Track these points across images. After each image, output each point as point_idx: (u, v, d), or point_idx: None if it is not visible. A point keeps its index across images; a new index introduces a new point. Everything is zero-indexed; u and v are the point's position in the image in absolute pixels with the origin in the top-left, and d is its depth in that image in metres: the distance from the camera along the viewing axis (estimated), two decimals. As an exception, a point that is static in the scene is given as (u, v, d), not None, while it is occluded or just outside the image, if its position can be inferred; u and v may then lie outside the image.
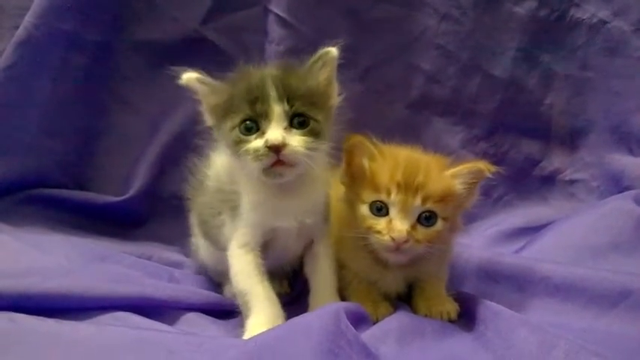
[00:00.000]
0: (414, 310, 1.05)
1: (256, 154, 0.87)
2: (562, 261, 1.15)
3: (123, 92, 1.53)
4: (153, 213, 1.52)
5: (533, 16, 1.59)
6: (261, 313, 0.93)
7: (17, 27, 1.35)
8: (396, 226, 0.92)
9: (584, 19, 1.60)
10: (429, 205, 0.93)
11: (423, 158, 1.00)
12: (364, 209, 0.96)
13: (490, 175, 0.95)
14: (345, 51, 1.54)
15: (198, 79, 0.93)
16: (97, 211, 1.45)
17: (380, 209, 0.95)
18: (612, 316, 0.96)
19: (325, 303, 0.99)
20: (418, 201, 0.92)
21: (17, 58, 1.34)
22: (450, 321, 1.00)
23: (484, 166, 0.95)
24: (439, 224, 0.95)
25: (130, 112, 1.54)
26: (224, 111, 0.92)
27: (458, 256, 1.18)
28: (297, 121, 0.89)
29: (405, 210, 0.93)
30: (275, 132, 0.86)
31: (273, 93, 0.87)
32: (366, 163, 0.98)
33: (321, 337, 0.75)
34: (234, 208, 0.99)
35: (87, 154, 1.51)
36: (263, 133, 0.88)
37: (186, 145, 1.49)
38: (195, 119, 1.46)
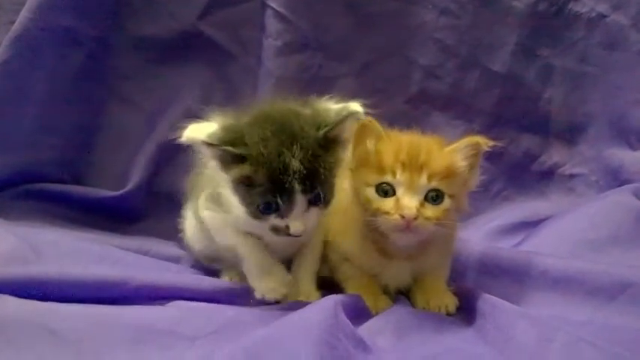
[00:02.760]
0: (412, 304, 1.05)
1: (275, 232, 0.88)
2: (560, 255, 1.14)
3: (120, 88, 1.52)
4: (150, 208, 1.51)
5: (531, 11, 1.59)
6: (272, 277, 0.97)
7: (13, 22, 1.34)
8: (405, 203, 0.91)
9: (582, 13, 1.60)
10: (435, 183, 0.93)
11: (424, 139, 1.01)
12: (370, 192, 0.96)
13: (487, 149, 0.95)
14: (342, 45, 1.58)
15: (205, 144, 0.82)
16: (94, 205, 1.44)
17: (386, 192, 0.94)
18: (611, 308, 0.96)
19: (301, 288, 1.03)
20: (424, 179, 0.92)
21: (13, 53, 1.33)
22: (449, 314, 1.00)
23: (481, 140, 0.95)
24: (447, 202, 0.94)
25: (128, 107, 1.53)
26: (240, 183, 0.85)
27: (459, 250, 1.17)
28: (313, 198, 0.86)
29: (412, 188, 0.92)
30: (297, 223, 0.85)
31: (298, 187, 0.82)
32: (371, 145, 0.98)
33: (319, 330, 0.75)
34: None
35: (84, 149, 1.50)
36: (282, 217, 0.86)
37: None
38: (193, 115, 1.48)
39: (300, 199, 0.84)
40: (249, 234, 0.99)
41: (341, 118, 0.85)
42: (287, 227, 0.86)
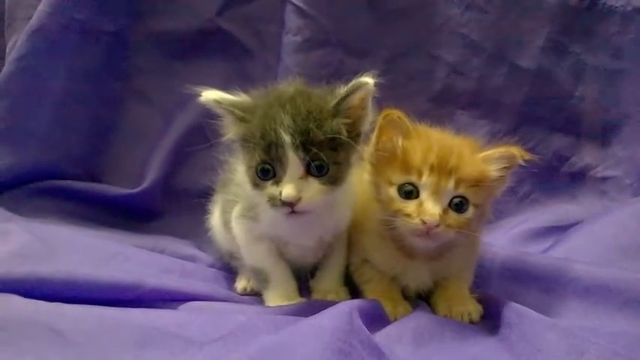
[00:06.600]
0: (433, 310, 1.01)
1: (272, 202, 0.86)
2: (592, 261, 1.09)
3: (137, 83, 1.52)
4: (166, 206, 1.50)
5: (562, 4, 1.53)
6: (279, 288, 1.04)
7: (31, 17, 1.35)
8: (428, 209, 0.88)
9: (617, 7, 1.55)
10: (462, 190, 0.89)
11: (456, 140, 0.96)
12: (392, 191, 0.92)
13: (523, 163, 0.91)
14: (364, 41, 1.54)
15: (216, 102, 0.87)
16: (110, 203, 1.44)
17: (409, 193, 0.90)
18: (647, 320, 0.90)
19: (328, 286, 1.07)
20: (451, 184, 0.88)
21: (30, 47, 1.34)
22: (472, 322, 0.96)
23: (517, 152, 0.91)
24: (470, 211, 0.90)
25: (145, 103, 1.53)
26: (242, 143, 0.89)
27: (482, 255, 1.14)
28: (315, 167, 0.84)
29: (437, 193, 0.89)
30: (289, 187, 0.83)
31: (288, 140, 0.82)
32: (399, 141, 0.93)
33: (332, 337, 0.73)
34: (252, 210, 0.98)
35: (100, 145, 1.50)
36: (278, 182, 0.85)
37: (201, 137, 1.47)
38: (210, 112, 1.47)
39: (292, 159, 0.83)
40: (273, 252, 1.03)
41: (350, 89, 0.85)
42: (280, 194, 0.84)
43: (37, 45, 1.34)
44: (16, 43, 1.34)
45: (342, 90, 0.86)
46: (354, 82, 0.85)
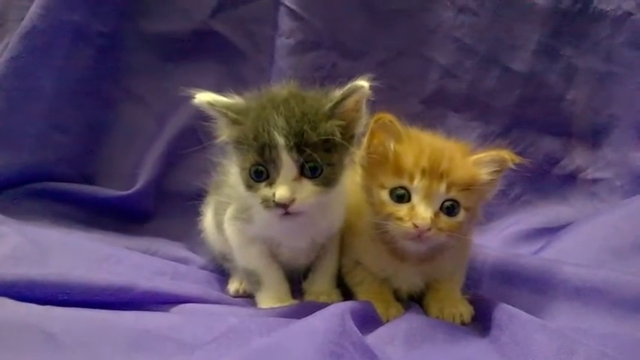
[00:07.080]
0: (425, 312, 1.02)
1: (265, 203, 0.86)
2: (583, 263, 1.10)
3: (130, 85, 1.52)
4: (159, 208, 1.50)
5: (554, 8, 1.54)
6: (272, 290, 1.04)
7: (23, 19, 1.34)
8: (420, 212, 0.88)
9: (608, 11, 1.55)
10: (453, 194, 0.90)
11: (448, 144, 0.97)
12: (384, 195, 0.92)
13: (513, 166, 0.92)
14: (357, 44, 1.54)
15: (209, 104, 0.87)
16: (103, 205, 1.43)
17: (401, 196, 0.91)
18: (636, 321, 0.90)
19: (320, 288, 1.07)
20: (443, 188, 0.89)
21: (22, 49, 1.33)
22: (463, 324, 0.97)
23: (508, 156, 0.92)
24: (461, 214, 0.91)
25: (138, 105, 1.52)
26: (235, 145, 0.89)
27: (473, 256, 1.15)
28: (309, 168, 0.85)
29: (428, 197, 0.89)
30: (282, 188, 0.83)
31: (281, 141, 0.82)
32: (391, 145, 0.94)
33: (324, 339, 0.73)
34: (245, 211, 0.99)
35: (93, 147, 1.49)
36: (272, 183, 0.85)
37: (194, 139, 1.48)
38: (203, 114, 1.47)
39: (286, 160, 0.83)
40: (265, 254, 1.03)
41: (346, 92, 0.85)
42: (274, 195, 0.84)
43: (29, 46, 1.33)
44: (8, 44, 1.33)
45: (338, 93, 0.86)
46: (349, 85, 0.85)
